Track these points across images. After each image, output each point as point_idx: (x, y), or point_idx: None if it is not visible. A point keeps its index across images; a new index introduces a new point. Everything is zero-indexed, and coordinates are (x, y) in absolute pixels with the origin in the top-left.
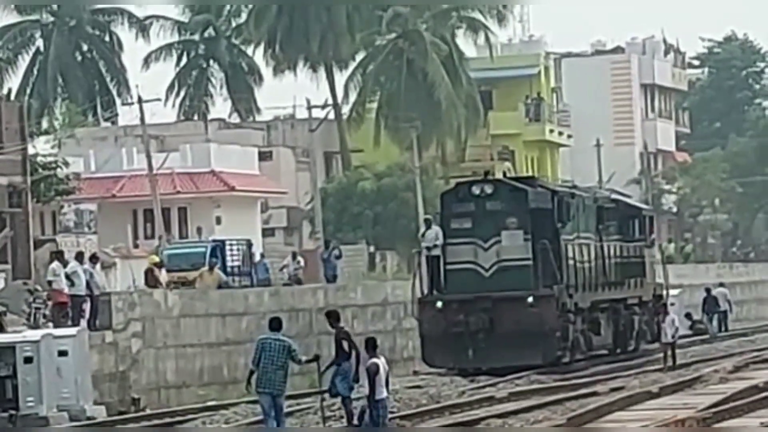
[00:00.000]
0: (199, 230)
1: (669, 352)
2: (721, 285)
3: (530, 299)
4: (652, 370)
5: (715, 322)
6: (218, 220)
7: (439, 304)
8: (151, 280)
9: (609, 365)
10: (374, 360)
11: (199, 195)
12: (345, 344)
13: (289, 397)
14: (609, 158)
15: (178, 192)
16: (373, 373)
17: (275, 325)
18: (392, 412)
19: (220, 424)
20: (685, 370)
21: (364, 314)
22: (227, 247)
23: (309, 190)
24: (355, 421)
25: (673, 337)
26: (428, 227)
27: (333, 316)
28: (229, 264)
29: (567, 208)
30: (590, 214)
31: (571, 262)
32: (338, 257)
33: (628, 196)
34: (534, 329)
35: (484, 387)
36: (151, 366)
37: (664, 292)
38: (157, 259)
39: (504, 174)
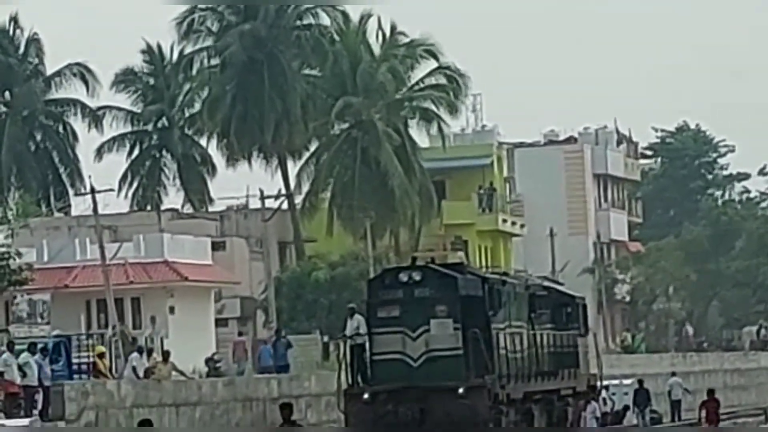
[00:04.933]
0: (152, 320)
1: None
2: (674, 374)
3: (461, 390)
4: None
5: (646, 417)
6: (172, 310)
7: (367, 395)
8: (95, 371)
9: None
10: None
11: (152, 285)
12: None
13: None
14: (562, 248)
15: (131, 282)
16: None
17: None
18: None
19: None
20: None
21: (318, 404)
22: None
23: (263, 280)
24: None
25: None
26: (351, 315)
27: (287, 410)
28: (75, 361)
29: (498, 295)
30: (522, 302)
31: (503, 351)
32: (288, 347)
33: (561, 284)
34: (465, 421)
35: None
36: None
37: (599, 383)
38: (103, 349)
39: (432, 260)
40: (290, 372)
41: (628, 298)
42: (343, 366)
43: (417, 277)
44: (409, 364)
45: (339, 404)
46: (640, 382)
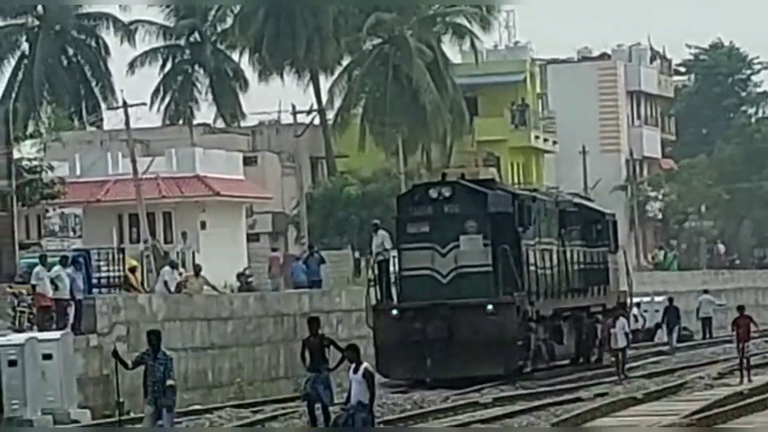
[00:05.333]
0: (183, 235)
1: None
2: (706, 292)
3: (490, 307)
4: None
5: (675, 335)
6: (203, 225)
7: (395, 311)
8: (126, 284)
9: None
10: (367, 365)
11: (183, 200)
12: (327, 351)
13: (275, 401)
14: (594, 165)
15: (163, 196)
16: (370, 376)
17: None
18: (377, 417)
19: (205, 427)
20: (669, 376)
21: (349, 319)
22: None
23: (294, 195)
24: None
25: (626, 342)
26: (375, 231)
27: (314, 324)
28: (95, 275)
29: (528, 212)
30: (552, 218)
31: (532, 268)
32: (321, 262)
33: (591, 200)
34: (494, 338)
35: (467, 392)
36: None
37: (628, 300)
38: (135, 263)
39: (463, 176)
40: (323, 287)
41: (660, 216)
42: (371, 282)
43: (447, 193)
44: (439, 280)
45: (367, 320)
46: (670, 300)
